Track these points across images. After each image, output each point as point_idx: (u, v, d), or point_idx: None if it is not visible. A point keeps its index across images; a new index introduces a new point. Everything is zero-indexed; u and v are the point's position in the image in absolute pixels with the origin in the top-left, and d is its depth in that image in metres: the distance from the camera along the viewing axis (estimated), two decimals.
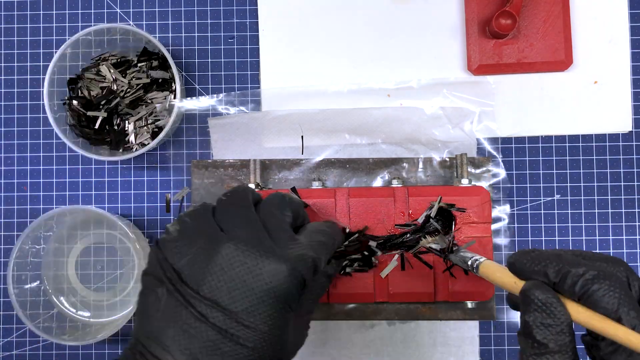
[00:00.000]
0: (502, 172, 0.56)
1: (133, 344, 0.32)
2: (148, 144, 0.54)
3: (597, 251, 0.32)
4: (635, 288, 0.30)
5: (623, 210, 0.56)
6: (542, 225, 0.56)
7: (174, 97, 0.55)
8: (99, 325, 0.56)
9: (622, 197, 0.57)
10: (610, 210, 0.57)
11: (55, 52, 0.53)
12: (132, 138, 0.56)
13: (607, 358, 0.30)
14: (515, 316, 0.55)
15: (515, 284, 0.33)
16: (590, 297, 0.29)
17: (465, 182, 0.51)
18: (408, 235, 0.49)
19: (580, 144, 0.57)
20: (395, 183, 0.52)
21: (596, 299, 0.29)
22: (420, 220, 0.50)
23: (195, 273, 0.31)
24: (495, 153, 0.57)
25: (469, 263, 0.41)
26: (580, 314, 0.29)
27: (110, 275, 0.58)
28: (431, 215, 0.49)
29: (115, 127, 0.56)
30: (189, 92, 0.58)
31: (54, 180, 0.58)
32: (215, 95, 0.58)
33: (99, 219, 0.57)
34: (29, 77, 0.58)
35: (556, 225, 0.56)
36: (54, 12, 0.59)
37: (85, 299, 0.58)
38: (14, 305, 0.53)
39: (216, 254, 0.31)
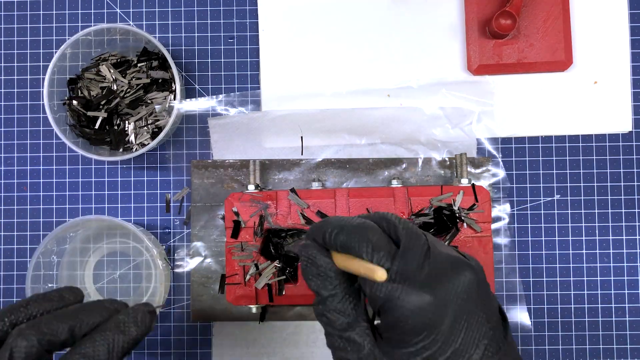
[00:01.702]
0: (501, 172, 0.56)
1: None
2: (148, 144, 0.54)
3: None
4: (389, 230, 0.34)
5: (623, 211, 0.56)
6: (542, 225, 0.56)
7: (174, 98, 0.55)
8: None
9: (622, 197, 0.57)
10: (610, 211, 0.57)
11: (55, 52, 0.53)
12: (132, 138, 0.56)
13: (364, 290, 0.34)
14: (514, 316, 0.55)
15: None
16: (341, 245, 0.33)
17: (465, 182, 0.51)
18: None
19: (580, 144, 0.57)
20: (395, 183, 0.52)
21: (343, 244, 0.33)
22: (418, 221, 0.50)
23: None
24: (495, 153, 0.57)
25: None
26: (338, 260, 0.34)
27: (126, 287, 0.58)
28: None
29: (115, 127, 0.56)
30: (189, 92, 0.58)
31: (54, 180, 0.58)
32: (214, 96, 0.58)
33: (112, 228, 0.57)
34: (29, 77, 0.58)
35: (556, 225, 0.56)
36: (54, 12, 0.59)
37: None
38: None
39: None
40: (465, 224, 0.50)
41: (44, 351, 0.31)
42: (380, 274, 0.31)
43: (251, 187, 0.52)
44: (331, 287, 0.34)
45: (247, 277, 0.50)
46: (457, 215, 0.50)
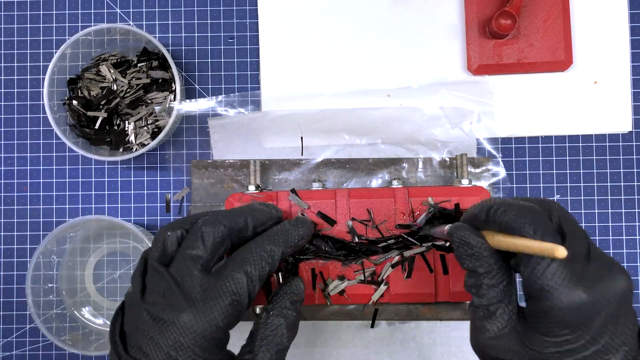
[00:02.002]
0: (502, 172, 0.56)
1: None
2: (148, 144, 0.54)
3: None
4: (555, 219, 0.34)
5: (623, 211, 0.56)
6: None
7: (174, 98, 0.55)
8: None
9: (622, 197, 0.57)
10: (610, 211, 0.57)
11: (55, 52, 0.53)
12: (132, 138, 0.56)
13: (520, 271, 0.34)
14: None
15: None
16: (506, 224, 0.33)
17: (465, 182, 0.51)
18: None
19: (580, 144, 0.57)
20: (395, 184, 0.52)
21: (509, 224, 0.33)
22: (420, 221, 0.50)
23: (130, 336, 0.35)
24: (495, 153, 0.57)
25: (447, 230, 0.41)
26: (495, 240, 0.34)
27: (126, 287, 0.58)
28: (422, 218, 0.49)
29: (115, 127, 0.56)
30: (189, 92, 0.58)
31: (54, 180, 0.58)
32: (214, 97, 0.58)
33: (112, 227, 0.57)
34: (29, 77, 0.58)
35: None
36: (54, 12, 0.59)
37: (111, 312, 0.58)
38: (35, 318, 0.53)
39: (137, 322, 0.35)
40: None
41: (226, 236, 0.38)
42: (560, 252, 0.30)
43: (252, 188, 0.52)
44: (487, 265, 0.35)
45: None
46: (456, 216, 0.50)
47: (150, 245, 0.45)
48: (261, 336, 0.38)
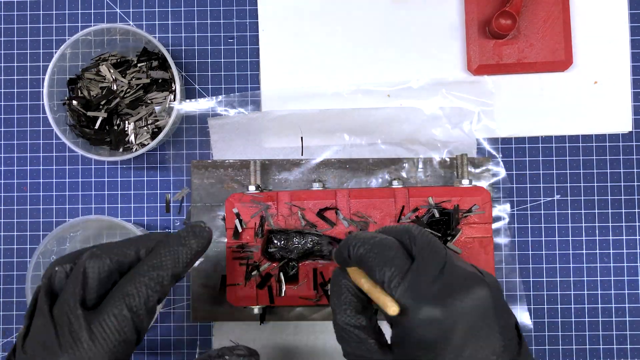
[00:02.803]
0: (502, 171, 0.56)
1: None
2: (148, 144, 0.54)
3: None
4: (407, 244, 0.35)
5: (623, 211, 0.56)
6: (542, 225, 0.56)
7: (174, 98, 0.55)
8: None
9: (622, 197, 0.57)
10: (610, 211, 0.57)
11: (55, 52, 0.53)
12: (132, 138, 0.56)
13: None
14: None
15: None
16: (359, 260, 0.35)
17: (465, 182, 0.51)
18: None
19: (580, 144, 0.57)
20: (395, 184, 0.52)
21: (361, 259, 0.35)
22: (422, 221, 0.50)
23: None
24: (495, 153, 0.57)
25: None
26: (357, 277, 0.36)
27: None
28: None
29: (115, 127, 0.56)
30: (188, 92, 0.58)
31: (54, 180, 0.58)
32: (214, 97, 0.58)
33: (112, 227, 0.57)
34: (29, 77, 0.58)
35: (556, 225, 0.56)
36: (54, 12, 0.59)
37: None
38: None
39: None
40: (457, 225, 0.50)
41: (114, 270, 0.35)
42: (393, 309, 0.32)
43: (252, 188, 0.52)
44: (347, 303, 0.37)
45: (249, 279, 0.50)
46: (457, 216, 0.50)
47: None
48: None
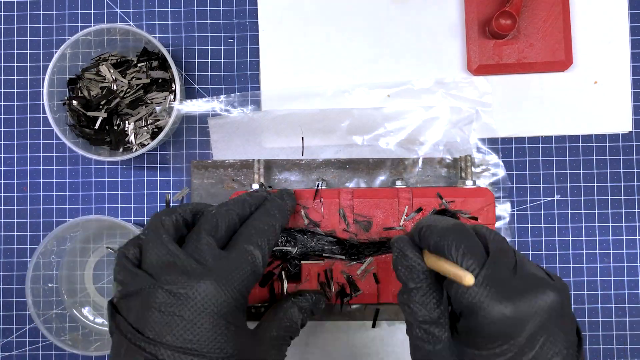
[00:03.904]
0: (502, 172, 0.56)
1: None
2: (148, 144, 0.54)
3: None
4: (482, 239, 0.35)
5: (623, 211, 0.56)
6: (542, 225, 0.56)
7: (174, 98, 0.55)
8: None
9: (622, 197, 0.57)
10: (610, 211, 0.57)
11: (55, 52, 0.53)
12: (132, 138, 0.56)
13: (449, 292, 0.35)
14: None
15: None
16: (434, 245, 0.35)
17: (469, 183, 0.51)
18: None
19: (580, 144, 0.57)
20: (399, 184, 0.52)
21: (435, 244, 0.35)
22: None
23: (142, 321, 0.35)
24: (495, 153, 0.57)
25: None
26: (428, 260, 0.36)
27: None
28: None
29: (115, 127, 0.56)
30: (188, 93, 0.58)
31: (54, 180, 0.58)
32: (214, 97, 0.58)
33: (112, 227, 0.57)
34: (29, 77, 0.58)
35: (556, 225, 0.56)
36: (54, 12, 0.59)
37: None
38: (35, 318, 0.53)
39: (152, 303, 0.35)
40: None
41: (237, 221, 0.41)
42: (468, 279, 0.32)
43: (255, 186, 0.52)
44: (418, 280, 0.36)
45: None
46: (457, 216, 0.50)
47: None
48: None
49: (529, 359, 0.33)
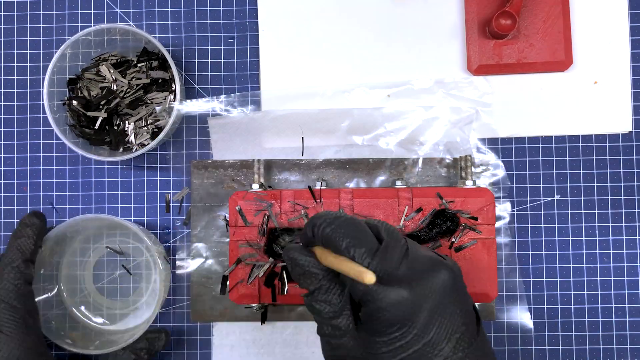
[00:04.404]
0: (501, 172, 0.56)
1: None
2: (148, 144, 0.54)
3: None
4: (374, 229, 0.36)
5: (623, 211, 0.56)
6: (542, 225, 0.56)
7: (174, 98, 0.55)
8: (119, 333, 0.56)
9: (622, 197, 0.57)
10: (610, 211, 0.57)
11: (55, 52, 0.53)
12: (132, 138, 0.56)
13: (345, 282, 0.36)
14: (514, 317, 0.55)
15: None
16: (326, 239, 0.35)
17: (469, 183, 0.51)
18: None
19: (580, 144, 0.57)
20: (399, 184, 0.52)
21: (328, 238, 0.35)
22: (424, 222, 0.50)
23: None
24: (495, 153, 0.57)
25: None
26: (324, 258, 0.36)
27: (126, 287, 0.58)
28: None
29: (115, 128, 0.56)
30: (188, 93, 0.58)
31: (54, 180, 0.58)
32: (214, 97, 0.58)
33: (112, 227, 0.57)
34: (29, 77, 0.58)
35: (556, 225, 0.56)
36: (54, 12, 0.59)
37: (111, 312, 0.58)
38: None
39: None
40: (462, 226, 0.50)
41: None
42: (369, 277, 0.33)
43: (255, 186, 0.52)
44: (316, 282, 0.37)
45: (252, 278, 0.50)
46: (458, 218, 0.50)
47: (149, 244, 0.48)
48: None
49: (429, 339, 0.34)
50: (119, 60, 0.57)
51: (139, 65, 0.56)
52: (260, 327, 0.55)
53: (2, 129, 0.58)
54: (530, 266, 0.56)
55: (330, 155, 0.56)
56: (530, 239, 0.57)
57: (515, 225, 0.56)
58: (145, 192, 0.58)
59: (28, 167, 0.58)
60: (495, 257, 0.50)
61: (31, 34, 0.59)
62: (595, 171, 0.57)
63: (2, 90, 0.58)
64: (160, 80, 0.56)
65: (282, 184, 0.56)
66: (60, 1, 0.59)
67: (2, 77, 0.58)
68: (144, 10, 0.58)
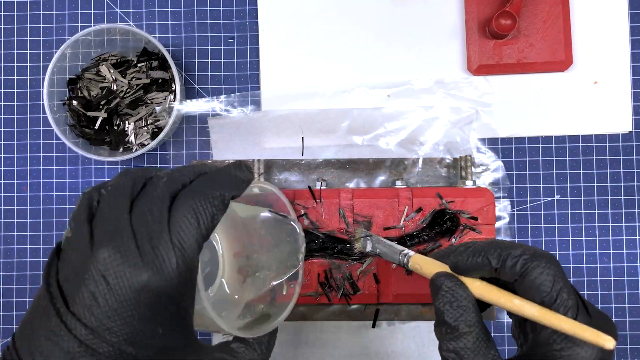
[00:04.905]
0: (500, 172, 0.56)
1: (9, 344, 0.31)
2: (148, 144, 0.54)
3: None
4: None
5: (623, 211, 0.56)
6: (542, 225, 0.56)
7: (174, 98, 0.55)
8: None
9: (622, 197, 0.57)
10: (610, 211, 0.57)
11: (55, 52, 0.53)
12: (132, 138, 0.56)
13: (539, 336, 0.32)
14: None
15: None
16: (528, 275, 0.31)
17: (469, 183, 0.52)
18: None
19: (580, 144, 0.57)
20: (399, 184, 0.52)
21: (535, 277, 0.31)
22: (425, 222, 0.50)
23: (69, 284, 0.30)
24: (495, 153, 0.57)
25: (399, 258, 0.41)
26: (494, 296, 0.32)
27: None
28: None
29: (115, 128, 0.56)
30: (188, 93, 0.58)
31: (54, 180, 0.58)
32: (214, 97, 0.58)
33: None
34: (29, 77, 0.58)
35: (556, 225, 0.56)
36: (54, 12, 0.59)
37: None
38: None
39: (86, 269, 0.29)
40: (462, 227, 0.50)
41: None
42: (609, 343, 0.29)
43: (255, 188, 0.52)
44: (470, 323, 0.32)
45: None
46: (458, 218, 0.50)
47: None
48: None
49: None
50: (119, 60, 0.57)
51: (139, 65, 0.56)
52: None
53: (2, 129, 0.58)
54: None
55: (330, 155, 0.56)
56: (530, 239, 0.57)
57: (515, 225, 0.56)
58: None
59: (28, 167, 0.58)
60: None
61: (31, 34, 0.59)
62: (595, 171, 0.57)
63: (2, 90, 0.58)
64: (160, 80, 0.56)
65: (282, 184, 0.56)
66: (60, 1, 0.59)
67: (2, 77, 0.58)
68: (144, 10, 0.58)
